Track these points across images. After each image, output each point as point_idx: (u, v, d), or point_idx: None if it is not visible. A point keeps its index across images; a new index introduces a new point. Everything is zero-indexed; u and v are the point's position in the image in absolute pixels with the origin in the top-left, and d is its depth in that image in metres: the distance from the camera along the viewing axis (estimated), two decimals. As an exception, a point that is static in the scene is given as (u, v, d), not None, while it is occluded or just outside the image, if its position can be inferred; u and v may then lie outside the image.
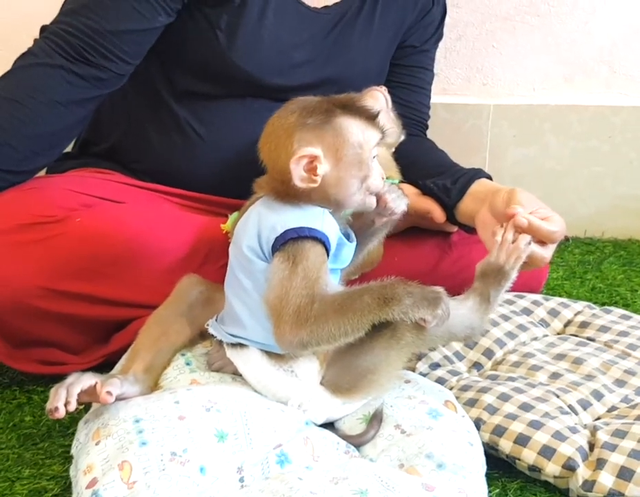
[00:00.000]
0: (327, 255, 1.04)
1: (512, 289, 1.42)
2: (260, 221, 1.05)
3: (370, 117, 1.06)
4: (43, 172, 1.49)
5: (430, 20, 1.59)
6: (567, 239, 1.93)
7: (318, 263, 1.02)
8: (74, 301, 1.23)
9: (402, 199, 1.10)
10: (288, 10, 1.42)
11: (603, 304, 1.56)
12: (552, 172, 1.93)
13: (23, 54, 1.30)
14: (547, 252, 1.18)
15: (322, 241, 1.03)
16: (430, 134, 1.71)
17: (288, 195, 1.04)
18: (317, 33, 1.46)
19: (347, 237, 1.11)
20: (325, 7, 1.46)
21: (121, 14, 1.30)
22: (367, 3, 1.50)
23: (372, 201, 1.07)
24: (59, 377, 1.12)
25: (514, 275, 1.14)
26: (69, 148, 1.56)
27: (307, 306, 1.00)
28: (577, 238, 1.94)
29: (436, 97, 1.87)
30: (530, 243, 1.14)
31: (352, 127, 1.04)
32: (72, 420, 1.15)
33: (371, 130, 1.05)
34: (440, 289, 1.05)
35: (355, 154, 1.04)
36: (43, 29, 1.32)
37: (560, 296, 1.60)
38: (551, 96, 1.91)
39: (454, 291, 1.21)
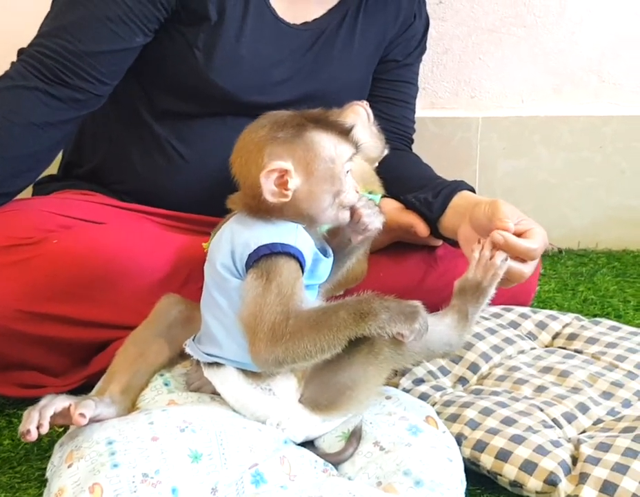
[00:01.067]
0: (302, 271, 1.03)
1: (501, 302, 1.42)
2: (233, 238, 1.04)
3: (343, 132, 1.05)
4: (28, 194, 1.50)
5: (412, 33, 1.58)
6: (560, 251, 1.91)
7: (293, 279, 1.01)
8: (52, 324, 1.22)
9: (377, 216, 1.09)
10: (267, 27, 1.41)
11: (595, 316, 1.54)
12: (543, 184, 1.91)
13: (0, 78, 1.30)
14: (526, 269, 1.17)
15: (296, 256, 1.02)
16: (419, 148, 1.70)
17: (260, 210, 1.03)
18: (297, 49, 1.45)
19: (324, 252, 1.09)
20: (305, 23, 1.46)
21: (98, 35, 1.29)
22: (348, 18, 1.49)
23: (346, 216, 1.06)
24: (39, 400, 1.12)
25: (491, 291, 1.13)
26: (54, 170, 1.56)
27: (282, 323, 0.99)
28: (570, 250, 1.92)
29: (424, 111, 1.87)
30: (506, 259, 1.12)
31: (324, 141, 1.03)
32: (51, 443, 1.14)
33: (344, 145, 1.04)
34: (417, 303, 1.03)
35: (327, 168, 1.02)
36: (21, 52, 1.32)
37: (551, 308, 1.58)
38: (540, 108, 1.90)
39: (441, 306, 1.20)
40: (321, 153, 1.02)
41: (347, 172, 1.05)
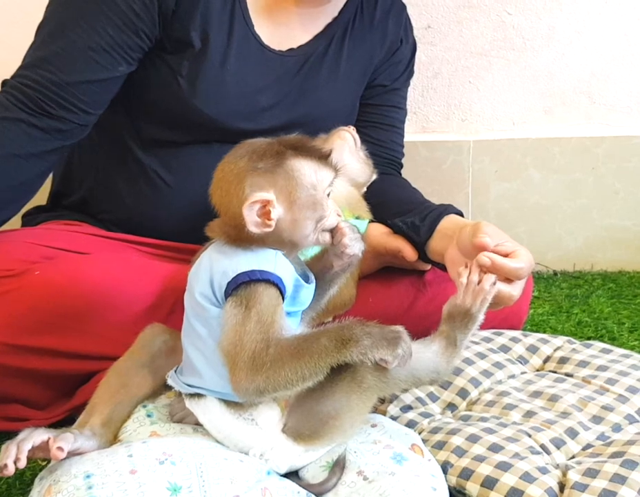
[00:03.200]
0: (283, 298, 1.02)
1: (492, 326, 1.41)
2: (212, 266, 1.03)
3: (322, 157, 1.04)
4: (17, 225, 1.50)
5: (399, 58, 1.58)
6: (555, 273, 1.90)
7: (272, 306, 1.00)
8: (36, 356, 1.21)
9: (358, 242, 1.07)
10: (252, 53, 1.41)
11: (589, 338, 1.52)
12: (536, 206, 1.91)
13: None
14: (514, 290, 1.15)
15: (275, 283, 1.01)
16: (411, 172, 1.70)
17: (240, 239, 1.02)
18: (283, 76, 1.45)
19: (306, 278, 1.08)
20: (290, 49, 1.46)
21: (80, 65, 1.30)
22: (334, 44, 1.49)
23: (326, 238, 1.05)
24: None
25: (481, 317, 1.11)
26: (43, 201, 1.56)
27: (263, 351, 0.97)
28: (566, 272, 1.91)
29: (415, 135, 1.87)
30: (495, 283, 1.10)
31: (304, 168, 1.02)
32: (33, 476, 1.12)
33: (324, 170, 1.03)
34: (400, 328, 1.02)
35: (309, 195, 1.02)
36: (4, 83, 1.32)
37: (544, 331, 1.57)
38: (531, 130, 1.89)
39: (431, 331, 1.19)
40: (302, 181, 1.01)
41: (328, 195, 1.04)
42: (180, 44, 1.35)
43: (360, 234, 1.10)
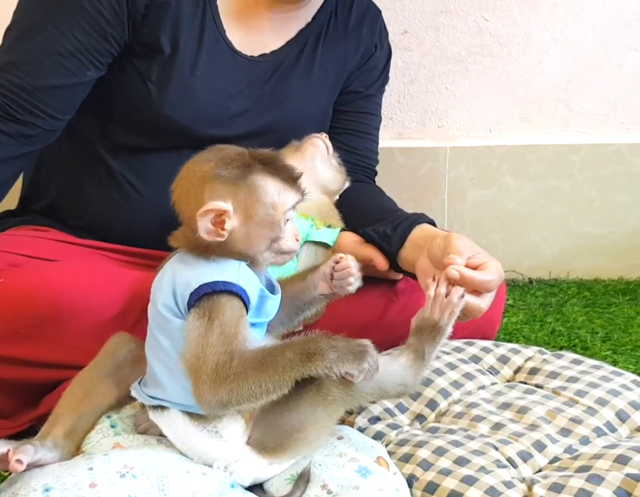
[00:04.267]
0: (247, 309, 1.01)
1: (464, 336, 1.40)
2: (174, 277, 1.02)
3: (290, 179, 1.03)
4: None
5: (373, 64, 1.57)
6: (530, 281, 1.89)
7: (236, 318, 0.99)
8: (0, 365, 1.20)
9: (358, 280, 1.12)
10: (222, 59, 1.40)
11: (561, 348, 1.52)
12: (512, 213, 1.90)
13: None
14: (483, 302, 1.14)
15: (239, 295, 1.00)
16: (387, 179, 1.69)
17: (199, 247, 1.01)
18: (254, 82, 1.44)
19: (272, 289, 1.07)
20: (262, 55, 1.45)
21: (48, 70, 1.28)
22: (306, 49, 1.48)
23: (285, 260, 1.05)
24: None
25: (449, 330, 1.10)
26: (13, 206, 1.54)
27: (226, 364, 0.97)
28: (541, 280, 1.90)
29: (391, 142, 1.86)
30: (463, 296, 1.10)
31: (268, 186, 1.01)
32: (-5, 488, 1.11)
33: (288, 193, 1.02)
34: (366, 342, 1.01)
35: (267, 214, 1.01)
36: None
37: (517, 340, 1.57)
38: (508, 137, 1.89)
39: (401, 341, 1.18)
40: (262, 198, 1.00)
41: (288, 220, 1.03)
42: (150, 49, 1.34)
43: (359, 273, 1.12)
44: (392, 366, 1.07)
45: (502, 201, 1.90)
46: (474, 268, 1.16)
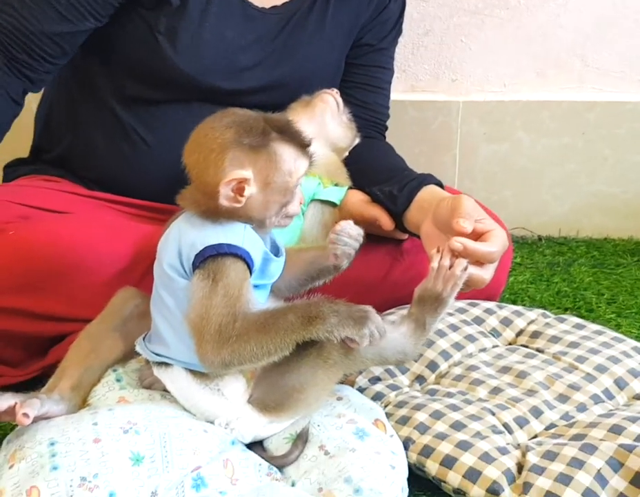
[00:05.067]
0: (250, 272, 1.02)
1: (468, 296, 1.41)
2: (180, 237, 1.03)
3: (303, 145, 1.04)
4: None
5: (386, 16, 1.54)
6: (539, 238, 1.89)
7: (239, 280, 1.01)
8: (8, 317, 1.21)
9: (347, 256, 1.11)
10: (233, 11, 1.38)
11: (566, 310, 1.53)
12: (524, 169, 1.89)
13: None
14: (486, 274, 1.14)
15: (243, 257, 1.01)
16: (399, 132, 1.69)
17: (209, 211, 1.02)
18: (265, 34, 1.42)
19: (276, 251, 1.08)
20: (274, 7, 1.43)
21: (45, 17, 1.29)
22: (319, 2, 1.46)
23: (287, 223, 1.06)
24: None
25: (451, 301, 1.11)
26: (25, 153, 1.55)
27: (229, 325, 0.98)
28: (551, 237, 1.90)
29: (404, 95, 1.85)
30: (466, 268, 1.10)
31: (286, 154, 1.02)
32: (4, 435, 1.13)
33: (302, 159, 1.04)
34: (368, 308, 1.02)
35: (283, 181, 1.02)
36: None
37: (522, 301, 1.57)
38: (522, 92, 1.86)
39: (406, 300, 1.19)
40: (281, 166, 1.01)
41: (298, 185, 1.05)
42: (158, 0, 1.33)
43: (358, 247, 1.12)
44: (393, 333, 1.08)
45: (514, 157, 1.88)
46: (480, 234, 1.16)
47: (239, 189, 1.00)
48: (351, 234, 1.10)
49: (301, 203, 1.06)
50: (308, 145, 1.04)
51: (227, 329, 0.98)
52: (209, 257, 1.00)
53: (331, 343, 1.01)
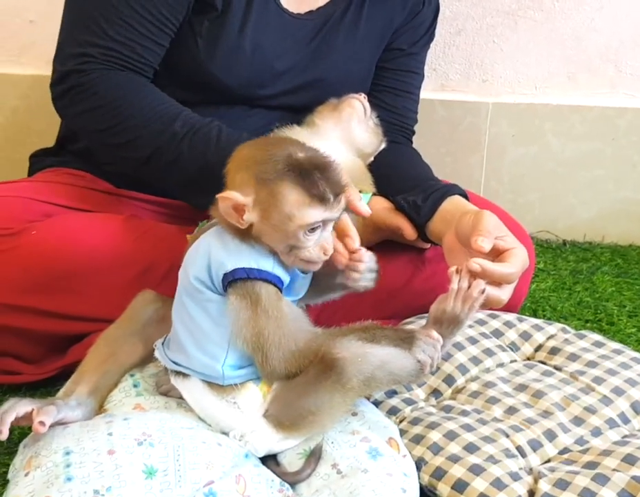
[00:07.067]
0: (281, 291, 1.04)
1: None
2: (210, 253, 1.04)
3: (321, 197, 1.00)
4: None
5: (420, 21, 1.53)
6: (564, 243, 1.88)
7: (274, 301, 1.03)
8: (28, 316, 1.23)
9: (370, 281, 1.12)
10: (271, 18, 1.38)
11: (587, 321, 1.51)
12: (551, 173, 1.87)
13: None
14: (504, 294, 1.14)
15: (273, 282, 1.03)
16: (427, 131, 1.68)
17: (237, 229, 1.02)
18: (300, 40, 1.42)
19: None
20: (309, 12, 1.42)
21: (146, 50, 1.33)
22: (353, 6, 1.45)
23: (308, 267, 1.06)
24: (15, 387, 1.15)
25: (467, 321, 1.12)
26: (49, 144, 1.55)
27: (289, 343, 1.02)
28: (575, 242, 1.88)
29: (433, 93, 1.83)
30: (484, 291, 1.10)
31: (291, 196, 1.00)
32: (22, 437, 1.14)
33: (313, 209, 1.00)
34: (416, 330, 1.09)
35: (281, 222, 1.01)
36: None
37: (543, 310, 1.57)
38: (553, 96, 1.84)
39: (426, 309, 1.19)
40: (282, 207, 1.00)
41: (313, 232, 1.02)
42: (204, 4, 1.32)
43: (377, 271, 1.13)
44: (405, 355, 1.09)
45: (542, 160, 1.87)
46: (500, 252, 1.16)
47: (240, 211, 1.00)
48: (372, 268, 1.11)
49: (324, 253, 1.04)
50: (327, 199, 1.00)
51: (289, 346, 1.02)
52: (239, 279, 1.01)
53: (352, 369, 1.02)
